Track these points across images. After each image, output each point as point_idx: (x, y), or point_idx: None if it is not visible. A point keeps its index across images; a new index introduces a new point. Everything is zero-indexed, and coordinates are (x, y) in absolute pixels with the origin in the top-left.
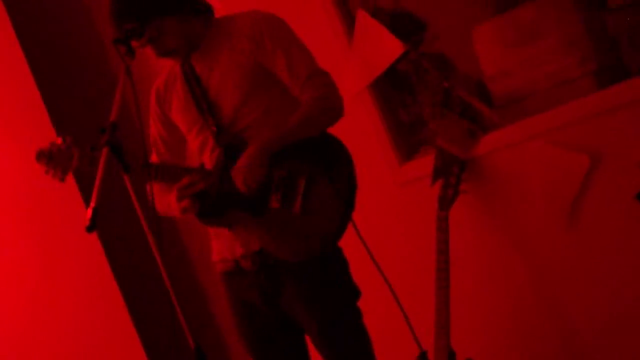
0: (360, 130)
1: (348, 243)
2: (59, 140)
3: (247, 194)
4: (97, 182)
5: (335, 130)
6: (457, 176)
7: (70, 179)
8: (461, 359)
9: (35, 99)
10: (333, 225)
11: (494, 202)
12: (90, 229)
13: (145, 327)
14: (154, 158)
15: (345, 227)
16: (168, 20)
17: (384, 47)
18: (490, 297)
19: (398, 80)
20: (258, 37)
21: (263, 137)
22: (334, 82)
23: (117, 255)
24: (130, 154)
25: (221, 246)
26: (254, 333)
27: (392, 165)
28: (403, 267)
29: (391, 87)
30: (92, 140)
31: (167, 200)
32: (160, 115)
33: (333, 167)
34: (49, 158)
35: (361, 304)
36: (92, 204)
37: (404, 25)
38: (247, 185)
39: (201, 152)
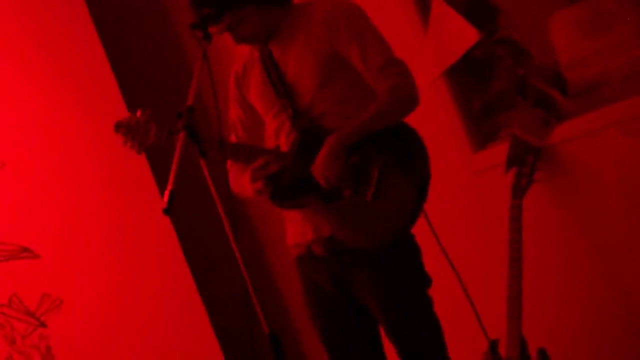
0: (434, 119)
1: (419, 231)
2: (139, 113)
3: (327, 187)
4: (174, 166)
5: (408, 118)
6: (531, 165)
7: (144, 162)
8: (533, 348)
9: (111, 85)
10: (404, 215)
11: (568, 191)
12: (167, 211)
13: (218, 312)
14: (232, 140)
15: (416, 217)
16: (247, 9)
17: (459, 35)
18: (563, 287)
19: (472, 68)
20: (334, 25)
21: (340, 131)
22: (409, 71)
23: (191, 240)
24: (206, 138)
25: (294, 231)
26: (326, 318)
27: (465, 154)
28: (475, 256)
29: (466, 75)
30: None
31: (241, 181)
32: (239, 99)
33: (407, 156)
34: (127, 129)
35: (432, 292)
36: (169, 187)
37: (479, 12)
38: (326, 180)
39: (277, 135)
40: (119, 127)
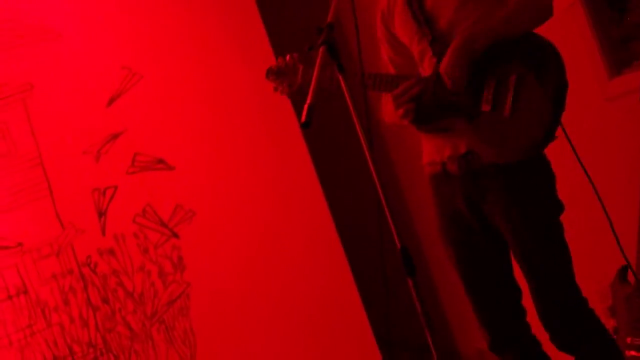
0: (570, 44)
1: (557, 154)
2: (287, 57)
3: (456, 93)
4: (314, 81)
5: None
6: None
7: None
8: None
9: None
10: (541, 129)
11: None
12: (305, 125)
13: (349, 228)
14: None
15: (554, 129)
16: None
17: None
18: None
19: None
20: None
21: (466, 31)
22: None
23: (324, 156)
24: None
25: (431, 149)
26: (457, 237)
27: (601, 80)
28: (611, 183)
29: (604, 4)
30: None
31: (390, 109)
32: (388, 36)
33: (542, 69)
34: (277, 74)
35: (564, 219)
36: (309, 101)
37: None
38: (452, 80)
39: (422, 62)
40: (269, 73)
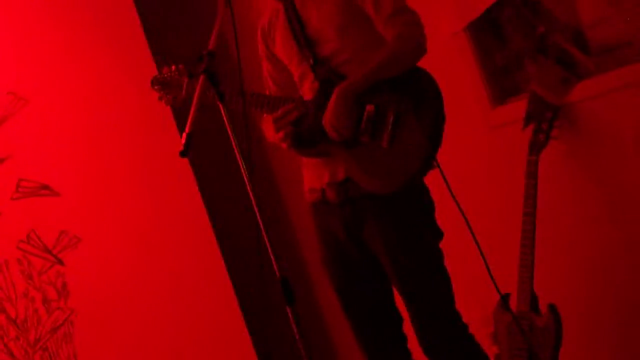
0: (454, 72)
1: (434, 184)
2: (173, 67)
3: (337, 139)
4: (193, 109)
5: (429, 70)
6: (550, 122)
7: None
8: (543, 304)
9: (135, 27)
10: (417, 162)
11: (586, 150)
12: (183, 154)
13: (232, 255)
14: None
15: (429, 164)
16: None
17: None
18: (576, 244)
19: (494, 23)
20: None
21: (347, 80)
22: (419, 20)
23: (208, 183)
24: (226, 83)
25: (311, 175)
26: (337, 265)
27: (484, 108)
28: (489, 210)
29: (487, 31)
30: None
31: (271, 129)
32: (267, 53)
33: (420, 102)
34: (162, 84)
35: (444, 247)
36: (187, 130)
37: None
38: (336, 131)
39: (302, 84)
40: (154, 82)
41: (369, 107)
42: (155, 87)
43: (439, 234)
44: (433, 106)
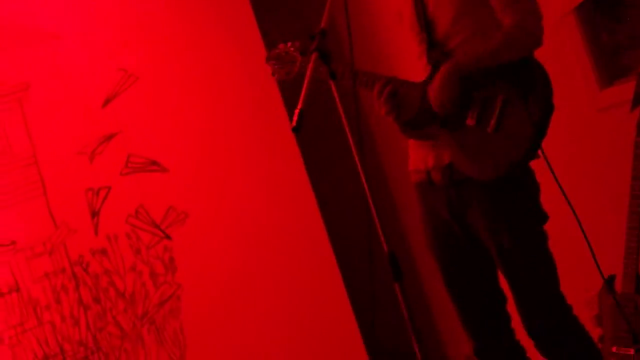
0: (563, 54)
1: (541, 167)
2: (289, 44)
3: (441, 113)
4: (305, 86)
5: (537, 52)
6: None
7: (275, 89)
8: None
9: (245, 6)
10: (521, 150)
11: None
12: (296, 129)
13: (339, 232)
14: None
15: (533, 152)
16: None
17: None
18: None
19: (605, 5)
20: None
21: (456, 59)
22: (538, 9)
23: (316, 161)
24: (339, 66)
25: (416, 157)
26: (442, 244)
27: (592, 90)
28: (595, 193)
29: (597, 12)
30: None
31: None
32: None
33: (530, 91)
34: (277, 59)
35: (548, 228)
36: (299, 106)
37: None
38: (440, 104)
39: (419, 62)
40: (270, 57)
41: (479, 92)
42: (271, 62)
43: (544, 217)
44: (542, 96)
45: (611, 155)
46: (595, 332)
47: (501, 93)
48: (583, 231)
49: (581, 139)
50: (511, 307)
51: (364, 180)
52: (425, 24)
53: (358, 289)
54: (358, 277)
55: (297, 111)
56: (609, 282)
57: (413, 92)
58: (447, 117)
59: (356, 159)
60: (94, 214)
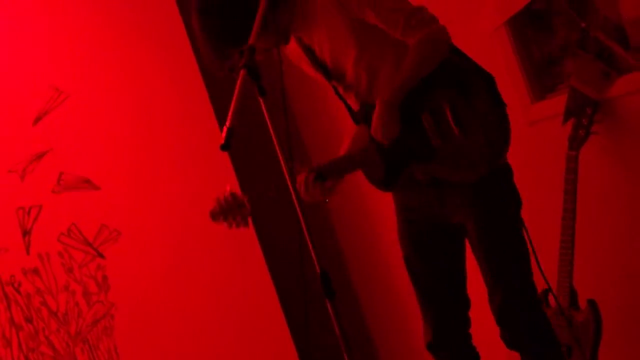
0: (495, 67)
1: None
2: (228, 194)
3: (391, 146)
4: (233, 103)
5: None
6: (590, 117)
7: (206, 99)
8: (583, 299)
9: (177, 22)
10: (496, 137)
11: (626, 145)
12: (224, 147)
13: (272, 250)
14: None
15: (507, 137)
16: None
17: None
18: (615, 240)
19: (534, 19)
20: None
21: (383, 94)
22: (432, 15)
23: (248, 177)
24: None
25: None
26: (413, 238)
27: (524, 104)
28: (528, 206)
29: (527, 26)
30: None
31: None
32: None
33: (466, 85)
34: (223, 213)
35: None
36: (227, 124)
37: None
38: (387, 140)
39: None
40: (215, 216)
41: (424, 115)
42: (219, 219)
43: (520, 201)
44: (478, 81)
45: (544, 168)
46: None
47: (443, 101)
48: (531, 243)
49: (513, 153)
50: (474, 311)
51: (294, 197)
52: (329, 73)
53: (292, 305)
54: (293, 293)
55: (225, 128)
56: (544, 295)
57: (368, 154)
58: (415, 151)
59: (286, 176)
60: (26, 232)
